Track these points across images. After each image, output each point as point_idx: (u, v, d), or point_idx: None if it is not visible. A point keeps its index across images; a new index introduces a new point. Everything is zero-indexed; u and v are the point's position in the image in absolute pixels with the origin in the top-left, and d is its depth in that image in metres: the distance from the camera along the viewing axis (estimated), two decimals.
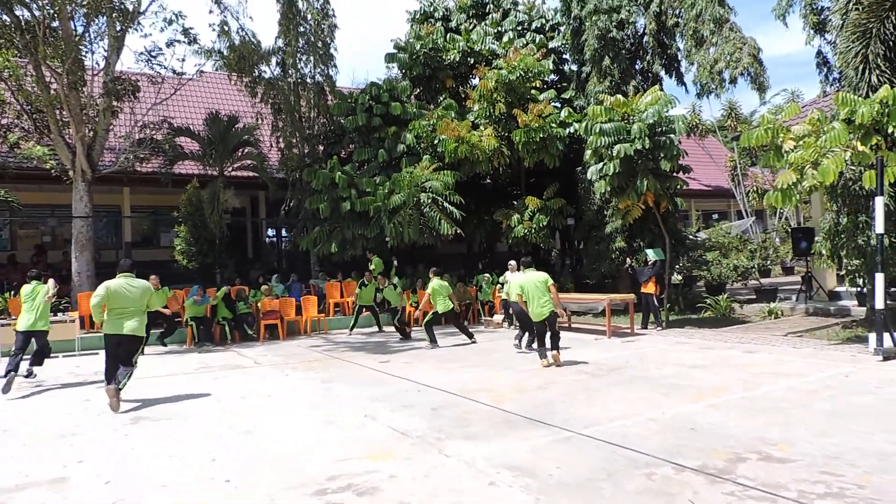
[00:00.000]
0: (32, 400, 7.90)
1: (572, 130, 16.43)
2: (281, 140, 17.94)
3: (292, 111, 17.61)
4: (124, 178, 17.11)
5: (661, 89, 14.35)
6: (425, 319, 12.07)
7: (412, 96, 18.72)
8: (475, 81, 19.86)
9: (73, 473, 4.91)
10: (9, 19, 13.79)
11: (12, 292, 14.65)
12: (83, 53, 14.74)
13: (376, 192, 16.13)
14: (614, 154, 12.76)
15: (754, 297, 17.51)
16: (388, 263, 17.45)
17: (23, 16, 13.82)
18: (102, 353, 11.66)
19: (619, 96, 13.29)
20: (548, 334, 9.27)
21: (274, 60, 17.74)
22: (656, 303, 13.25)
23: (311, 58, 17.81)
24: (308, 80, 17.90)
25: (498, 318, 15.06)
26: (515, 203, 17.48)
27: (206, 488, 4.53)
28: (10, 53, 14.32)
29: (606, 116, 13.25)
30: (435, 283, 12.01)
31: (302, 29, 17.30)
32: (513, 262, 14.98)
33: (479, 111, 16.82)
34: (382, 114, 17.27)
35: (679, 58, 17.72)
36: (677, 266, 16.49)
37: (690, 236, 17.28)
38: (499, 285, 16.08)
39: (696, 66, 15.32)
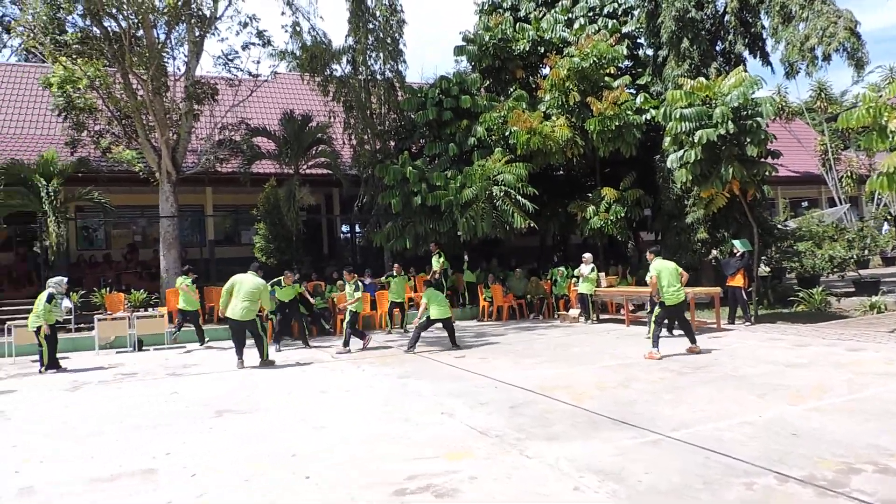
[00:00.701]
0: (125, 391, 8.24)
1: (649, 117, 15.81)
2: (353, 137, 18.14)
3: (363, 108, 17.77)
4: (206, 179, 17.73)
5: (745, 70, 13.56)
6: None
7: (482, 89, 18.50)
8: (546, 71, 19.46)
9: (161, 465, 5.04)
10: (98, 31, 14.50)
11: (108, 288, 15.49)
12: (165, 60, 15.35)
13: (448, 186, 16.05)
14: (696, 140, 12.15)
15: (853, 289, 16.36)
16: (459, 258, 17.40)
17: (111, 27, 14.49)
18: (191, 346, 12.27)
19: (701, 79, 12.64)
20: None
21: (344, 58, 17.94)
22: (745, 296, 12.57)
23: (381, 54, 17.90)
24: (378, 76, 17.99)
25: (574, 312, 14.69)
26: (590, 194, 17.01)
27: (287, 484, 4.54)
28: (100, 63, 15.11)
29: (686, 101, 12.63)
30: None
31: (371, 26, 17.40)
32: (587, 255, 14.60)
33: (551, 101, 16.43)
34: (452, 107, 17.15)
35: (764, 36, 16.78)
36: (764, 258, 15.61)
37: (779, 225, 16.34)
38: (573, 279, 15.72)
39: (784, 43, 14.42)
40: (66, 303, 11.02)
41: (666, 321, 9.68)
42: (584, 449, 5.09)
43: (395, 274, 14.50)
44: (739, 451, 4.81)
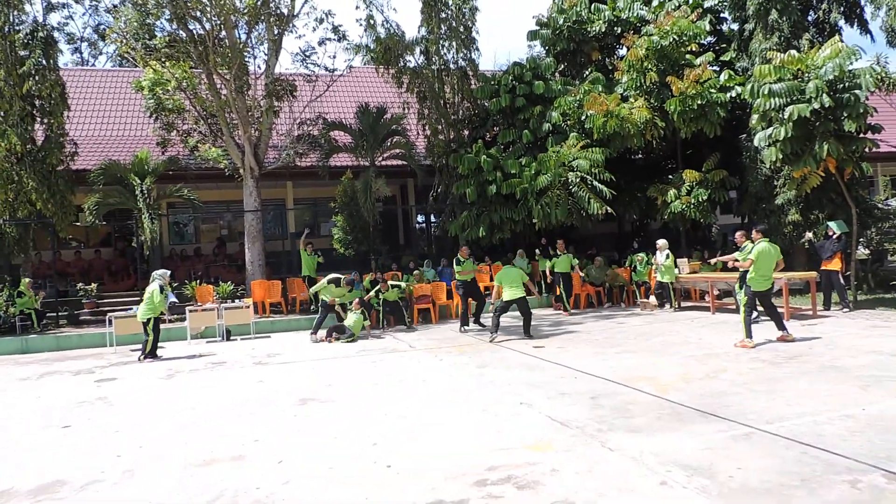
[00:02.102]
0: (215, 379, 8.62)
1: (734, 95, 15.03)
2: (426, 127, 18.22)
3: (437, 98, 17.80)
4: (287, 173, 18.26)
5: (841, 40, 12.66)
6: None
7: (556, 73, 18.13)
8: (622, 52, 18.87)
9: (249, 452, 5.23)
10: (184, 34, 15.16)
11: (198, 281, 16.26)
12: (246, 59, 15.88)
13: (522, 173, 15.88)
14: (786, 117, 11.47)
15: None
16: (534, 246, 17.20)
17: (195, 30, 15.12)
18: (275, 336, 12.69)
19: (792, 52, 11.90)
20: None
21: (418, 49, 18.02)
22: (842, 281, 11.81)
23: (454, 43, 17.86)
24: (451, 65, 17.98)
25: (654, 299, 14.25)
26: (671, 177, 16.41)
27: (369, 473, 4.60)
28: (186, 65, 15.80)
29: (776, 76, 11.96)
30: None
31: (444, 15, 17.38)
32: (660, 242, 14.10)
33: (629, 82, 15.90)
34: (526, 93, 16.91)
35: (861, 3, 15.60)
36: (863, 239, 14.59)
37: (880, 205, 15.23)
38: (653, 265, 15.24)
39: (885, 9, 13.35)
40: (172, 297, 11.68)
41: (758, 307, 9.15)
42: (669, 442, 4.91)
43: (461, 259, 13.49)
44: (841, 447, 4.51)
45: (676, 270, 13.83)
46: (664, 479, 4.18)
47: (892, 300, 12.56)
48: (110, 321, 12.10)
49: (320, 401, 6.98)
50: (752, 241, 9.40)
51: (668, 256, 13.88)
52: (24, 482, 4.72)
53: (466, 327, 12.47)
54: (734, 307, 12.49)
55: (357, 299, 12.39)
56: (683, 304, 14.53)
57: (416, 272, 15.54)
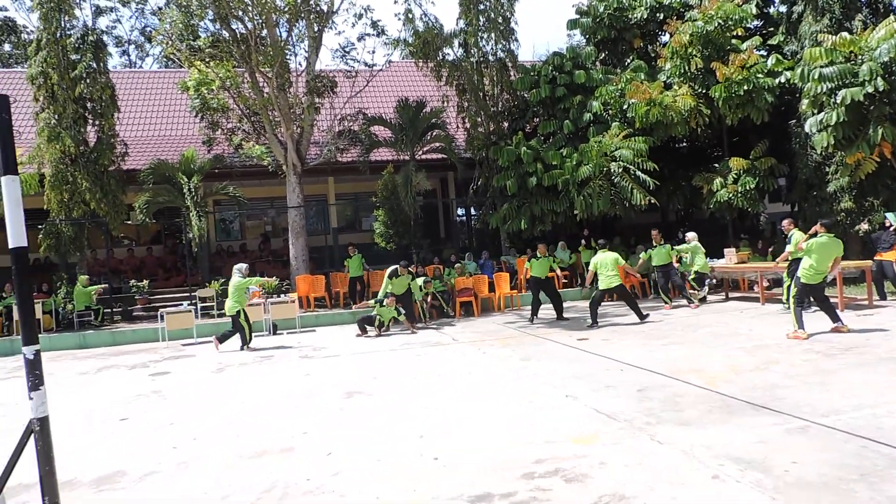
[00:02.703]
0: (263, 373, 8.82)
1: (783, 80, 14.57)
2: (466, 120, 18.19)
3: (476, 90, 17.75)
4: (328, 169, 18.49)
5: None
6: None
7: (596, 62, 17.91)
8: (664, 39, 18.49)
9: (298, 444, 5.33)
10: (227, 34, 15.46)
11: None
12: (287, 57, 16.11)
13: (563, 164, 15.74)
14: (838, 101, 11.08)
15: None
16: (576, 237, 17.04)
17: (238, 29, 15.41)
18: (319, 330, 12.89)
19: (844, 34, 11.47)
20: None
21: (456, 42, 17.98)
22: None
23: (492, 35, 17.77)
24: (490, 57, 17.90)
25: (702, 291, 13.94)
26: (716, 166, 16.02)
27: (416, 465, 4.65)
28: (229, 64, 16.13)
29: (827, 59, 11.56)
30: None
31: (482, 6, 17.31)
32: (691, 234, 13.88)
33: (672, 69, 15.58)
34: (566, 83, 16.73)
35: None
36: None
37: None
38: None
39: None
40: (254, 287, 12.08)
41: (807, 299, 8.85)
42: (720, 435, 4.82)
43: (538, 255, 13.10)
44: None
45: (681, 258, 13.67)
46: (716, 472, 4.10)
47: None
48: (162, 317, 12.47)
49: (366, 394, 7.06)
50: (814, 234, 9.04)
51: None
52: (87, 473, 4.92)
53: (535, 318, 12.40)
54: (783, 297, 12.15)
55: (392, 297, 12.22)
56: (732, 294, 14.23)
57: (457, 265, 15.57)
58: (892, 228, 11.50)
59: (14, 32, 33.52)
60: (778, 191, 16.90)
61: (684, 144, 18.78)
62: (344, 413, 6.30)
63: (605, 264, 11.21)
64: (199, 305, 15.00)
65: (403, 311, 12.17)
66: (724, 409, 5.53)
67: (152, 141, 20.21)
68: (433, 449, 4.96)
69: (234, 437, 5.69)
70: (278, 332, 13.18)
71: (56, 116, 15.01)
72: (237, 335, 11.20)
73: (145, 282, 16.31)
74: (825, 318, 8.86)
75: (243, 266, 11.68)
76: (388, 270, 12.23)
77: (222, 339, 11.29)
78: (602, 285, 11.21)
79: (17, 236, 3.71)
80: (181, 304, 13.82)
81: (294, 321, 13.33)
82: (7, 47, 33.81)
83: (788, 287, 10.70)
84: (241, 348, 10.99)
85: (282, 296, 14.85)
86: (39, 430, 3.66)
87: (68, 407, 7.43)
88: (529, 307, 13.87)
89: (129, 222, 18.13)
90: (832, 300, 10.16)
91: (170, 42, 16.09)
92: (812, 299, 8.74)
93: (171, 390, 7.98)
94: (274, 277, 15.75)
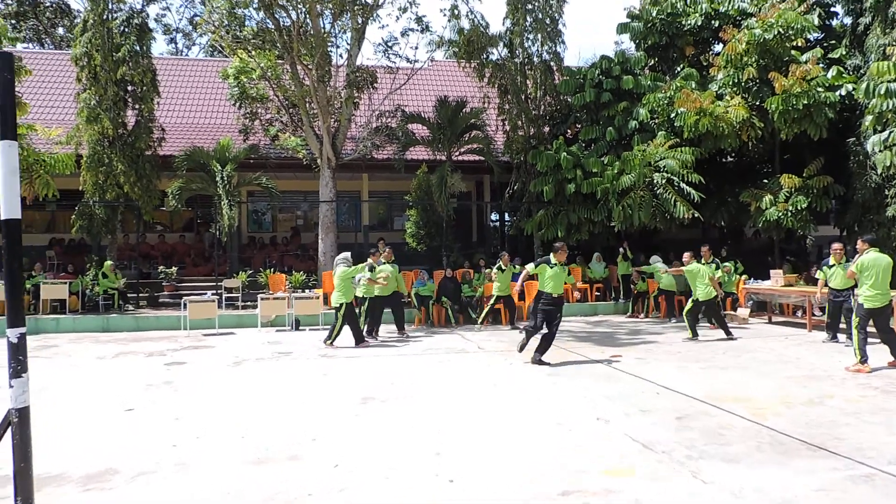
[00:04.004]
0: (280, 370, 8.48)
1: (843, 94, 13.75)
2: (506, 122, 17.70)
3: (518, 92, 17.25)
4: (363, 165, 18.21)
5: None
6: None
7: (646, 68, 17.26)
8: (718, 48, 17.76)
9: (306, 452, 4.94)
10: (271, 24, 15.30)
11: (272, 269, 16.44)
12: (329, 49, 15.87)
13: (604, 172, 15.17)
14: None
15: None
16: (611, 249, 16.45)
17: (281, 18, 15.23)
18: (344, 329, 12.49)
19: None
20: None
21: (501, 42, 17.52)
22: None
23: (539, 35, 17.24)
24: (535, 58, 17.38)
25: (743, 312, 13.26)
26: (766, 182, 15.25)
27: (429, 487, 4.22)
28: (272, 54, 15.97)
29: (895, 74, 10.81)
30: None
31: (530, 6, 16.81)
32: (655, 257, 14.10)
33: (725, 79, 14.87)
34: (612, 88, 16.15)
35: None
36: None
37: None
38: (743, 275, 14.24)
39: None
40: (363, 274, 11.21)
41: (867, 327, 8.12)
42: (773, 478, 4.28)
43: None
44: None
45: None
46: None
47: None
48: (185, 305, 12.28)
49: (382, 401, 6.66)
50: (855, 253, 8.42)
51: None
52: (78, 467, 4.60)
53: None
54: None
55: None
56: (775, 319, 13.49)
57: (487, 270, 15.08)
58: None
59: (67, 16, 34.22)
60: (825, 213, 16.02)
61: (731, 159, 18.02)
62: (358, 420, 5.90)
63: (703, 275, 10.81)
64: (225, 296, 14.82)
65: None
66: (776, 446, 4.98)
67: (190, 128, 20.21)
68: (449, 469, 4.52)
69: (239, 437, 5.34)
70: (301, 327, 12.89)
71: (97, 98, 15.00)
72: (347, 328, 10.46)
73: (174, 268, 16.22)
74: (881, 350, 8.17)
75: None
76: (368, 263, 11.00)
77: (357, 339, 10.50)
78: (701, 296, 10.79)
79: (11, 207, 3.41)
80: (206, 294, 13.64)
81: (317, 318, 13.03)
82: (60, 31, 34.52)
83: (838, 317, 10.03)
84: (326, 341, 10.39)
85: (307, 291, 14.58)
86: (18, 422, 3.33)
87: (77, 392, 7.20)
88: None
89: (163, 208, 18.15)
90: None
91: (214, 30, 16.02)
92: (873, 327, 8.01)
93: (183, 382, 7.70)
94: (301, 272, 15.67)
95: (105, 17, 15.17)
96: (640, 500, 3.95)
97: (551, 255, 8.97)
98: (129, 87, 15.70)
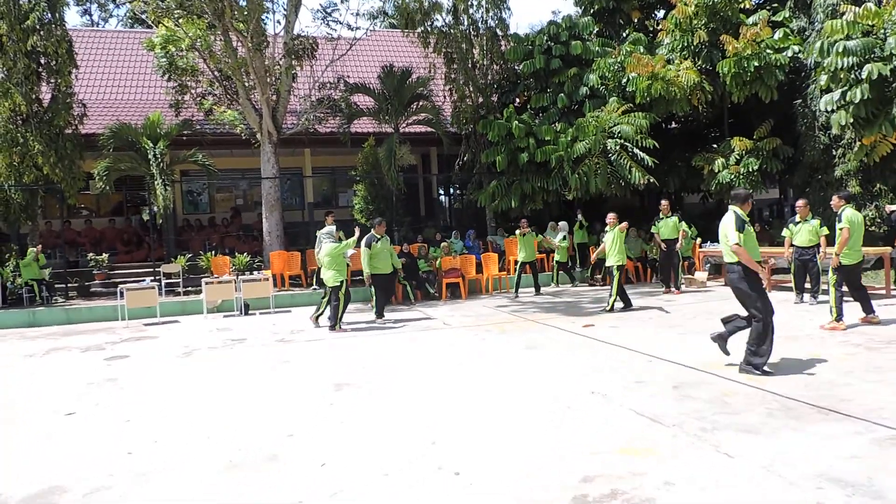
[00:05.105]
0: (236, 359, 7.80)
1: (790, 55, 13.80)
2: (454, 92, 17.12)
3: (465, 60, 16.66)
4: (305, 140, 17.31)
5: None
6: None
7: (594, 34, 16.97)
8: (660, 15, 17.66)
9: (285, 451, 4.38)
10: None
11: (213, 252, 15.46)
12: (265, 16, 14.85)
13: (557, 140, 14.86)
14: (863, 76, 10.37)
15: None
16: (571, 217, 16.26)
17: None
18: (295, 310, 11.84)
19: (869, 4, 10.73)
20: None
21: (445, 8, 16.86)
22: None
23: (484, 2, 16.68)
24: (480, 25, 16.82)
25: (701, 275, 13.28)
26: (715, 146, 15.30)
27: (435, 482, 3.74)
28: (201, 22, 14.80)
29: (848, 32, 10.84)
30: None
31: None
32: (562, 223, 14.15)
33: (673, 43, 14.73)
34: (562, 55, 15.80)
35: None
36: None
37: None
38: (698, 238, 14.24)
39: None
40: (351, 251, 10.30)
41: (844, 286, 8.04)
42: (799, 447, 4.01)
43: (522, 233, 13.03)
44: None
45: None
46: (819, 499, 3.28)
47: None
48: (122, 293, 11.30)
49: (357, 386, 6.12)
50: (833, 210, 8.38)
51: (564, 238, 13.71)
52: (17, 488, 3.90)
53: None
54: (789, 285, 11.46)
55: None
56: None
57: (443, 244, 14.62)
58: None
59: None
60: (773, 175, 16.26)
61: (675, 125, 18.06)
62: (335, 410, 5.35)
63: (615, 241, 10.58)
64: (164, 282, 13.82)
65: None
66: (787, 412, 4.74)
67: (114, 104, 18.73)
68: (452, 460, 4.06)
69: (204, 438, 4.72)
70: (250, 311, 12.12)
71: (5, 71, 13.55)
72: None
73: (104, 255, 15.01)
74: (855, 311, 8.18)
75: (332, 228, 10.10)
76: (365, 238, 10.32)
77: (320, 316, 9.80)
78: (615, 262, 10.51)
79: None
80: (144, 280, 12.64)
81: (268, 300, 12.28)
82: None
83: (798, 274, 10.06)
84: (332, 328, 9.51)
85: (254, 273, 13.75)
86: None
87: (5, 397, 6.35)
88: (514, 290, 13.22)
89: (88, 191, 16.77)
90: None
91: None
92: (847, 284, 7.96)
93: (129, 378, 6.92)
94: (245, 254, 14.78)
95: None
96: (670, 481, 3.60)
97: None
98: (43, 60, 14.26)
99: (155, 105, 17.78)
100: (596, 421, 4.75)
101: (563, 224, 14.47)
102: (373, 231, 10.42)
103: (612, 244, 10.55)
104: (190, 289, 13.93)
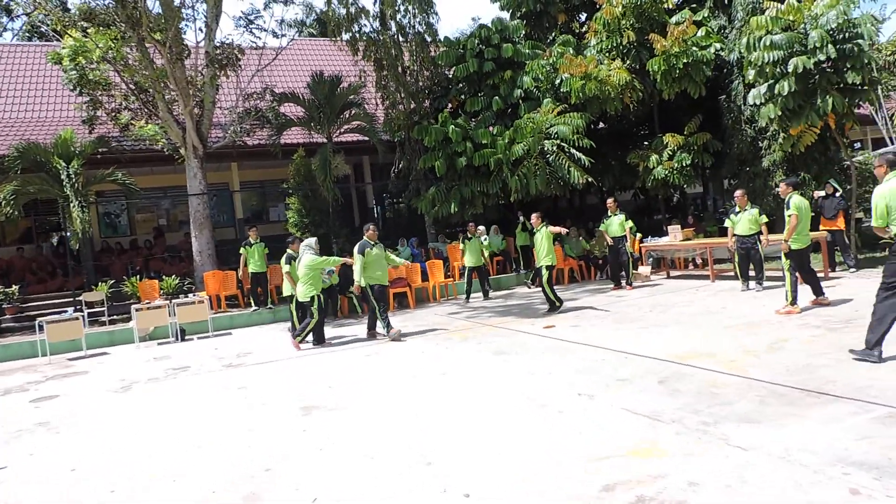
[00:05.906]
0: (183, 389, 7.17)
1: (713, 52, 14.26)
2: (385, 98, 16.79)
3: (395, 66, 16.37)
4: (233, 154, 16.56)
5: None
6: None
7: (522, 36, 17.05)
8: (583, 17, 17.94)
9: (265, 488, 3.93)
10: None
11: (138, 276, 14.45)
12: (185, 25, 14.06)
13: (495, 143, 14.78)
14: (790, 70, 10.77)
15: None
16: (505, 221, 16.24)
17: None
18: (236, 332, 11.19)
19: (791, 0, 11.16)
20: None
21: (371, 13, 16.53)
22: (846, 240, 11.33)
23: (411, 7, 16.46)
24: (409, 30, 16.59)
25: (645, 269, 13.47)
26: (647, 143, 15.64)
27: None
28: (113, 32, 13.83)
29: (772, 27, 11.26)
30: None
31: None
32: (481, 228, 13.93)
33: (599, 44, 14.97)
34: (494, 58, 15.77)
35: None
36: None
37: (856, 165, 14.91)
38: (638, 235, 14.46)
39: None
40: (330, 269, 9.82)
41: (797, 271, 8.19)
42: (807, 433, 3.93)
43: (469, 236, 13.14)
44: None
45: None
46: (851, 485, 3.17)
47: (883, 258, 12.16)
48: (41, 327, 10.30)
49: (327, 409, 5.69)
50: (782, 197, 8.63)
51: (486, 239, 13.63)
52: None
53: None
54: (732, 274, 11.76)
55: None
56: (672, 273, 13.92)
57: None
58: (839, 195, 11.46)
59: None
60: (702, 169, 16.79)
61: (603, 125, 18.41)
62: (310, 436, 4.91)
63: (544, 241, 10.47)
64: (87, 311, 12.77)
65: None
66: (779, 398, 4.68)
67: (19, 123, 17.31)
68: (455, 480, 3.74)
69: (169, 482, 4.19)
70: (187, 337, 11.35)
71: None
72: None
73: (14, 287, 13.74)
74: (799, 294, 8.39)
75: (313, 240, 9.56)
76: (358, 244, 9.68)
77: (300, 333, 9.07)
78: (547, 261, 10.44)
79: None
80: (65, 311, 11.61)
81: (205, 324, 11.53)
82: None
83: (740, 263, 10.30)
84: (314, 343, 9.13)
85: (187, 295, 12.92)
86: None
87: None
88: (465, 296, 13.01)
89: None
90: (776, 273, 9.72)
91: (37, 6, 13.60)
92: (799, 268, 8.14)
93: (63, 420, 6.19)
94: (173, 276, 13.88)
95: None
96: (694, 481, 3.41)
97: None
98: None
99: (66, 122, 16.59)
100: (592, 424, 4.53)
101: (481, 229, 14.18)
102: (365, 237, 9.74)
103: (541, 245, 10.49)
104: (116, 317, 12.95)
